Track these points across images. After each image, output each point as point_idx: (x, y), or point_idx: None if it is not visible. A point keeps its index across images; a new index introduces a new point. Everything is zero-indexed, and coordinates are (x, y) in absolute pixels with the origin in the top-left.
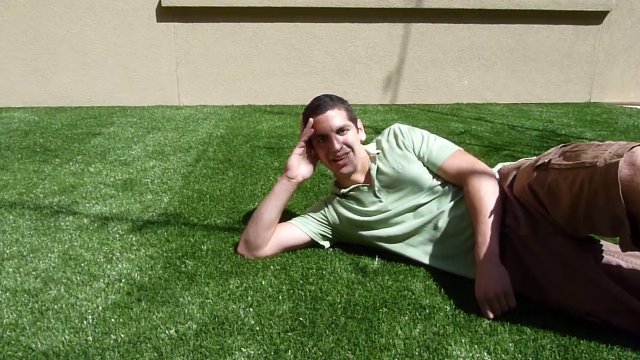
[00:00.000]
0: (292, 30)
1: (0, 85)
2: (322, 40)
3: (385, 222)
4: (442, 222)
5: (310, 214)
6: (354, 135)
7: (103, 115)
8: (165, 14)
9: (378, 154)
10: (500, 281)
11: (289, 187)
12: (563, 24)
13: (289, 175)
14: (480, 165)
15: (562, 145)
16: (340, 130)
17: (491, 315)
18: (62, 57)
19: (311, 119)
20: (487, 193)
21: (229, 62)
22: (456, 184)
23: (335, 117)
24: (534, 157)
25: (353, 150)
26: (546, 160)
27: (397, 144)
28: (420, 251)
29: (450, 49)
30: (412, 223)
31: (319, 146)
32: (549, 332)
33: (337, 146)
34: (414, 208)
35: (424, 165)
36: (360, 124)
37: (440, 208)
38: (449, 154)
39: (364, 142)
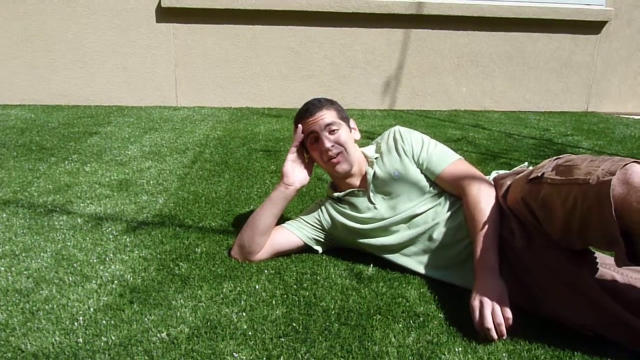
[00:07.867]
0: (292, 33)
1: None
2: (321, 44)
3: (379, 231)
4: (437, 234)
5: (304, 217)
6: (347, 134)
7: (100, 115)
8: (165, 15)
9: (376, 158)
10: (496, 292)
11: (287, 194)
12: (562, 32)
13: (285, 182)
14: (480, 175)
15: (555, 157)
16: (331, 129)
17: (477, 320)
18: (61, 55)
19: (300, 125)
20: (487, 205)
21: (227, 64)
22: (454, 194)
23: (323, 116)
24: (527, 166)
25: (346, 149)
26: (539, 174)
27: (396, 149)
28: (414, 261)
29: (449, 55)
30: (407, 233)
31: (313, 148)
32: (543, 342)
33: (328, 144)
34: (409, 218)
35: (422, 173)
36: (353, 124)
37: (436, 219)
38: (449, 162)
39: (361, 144)
